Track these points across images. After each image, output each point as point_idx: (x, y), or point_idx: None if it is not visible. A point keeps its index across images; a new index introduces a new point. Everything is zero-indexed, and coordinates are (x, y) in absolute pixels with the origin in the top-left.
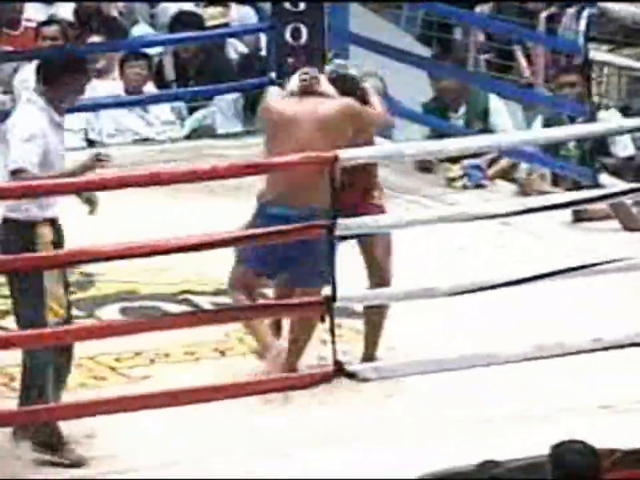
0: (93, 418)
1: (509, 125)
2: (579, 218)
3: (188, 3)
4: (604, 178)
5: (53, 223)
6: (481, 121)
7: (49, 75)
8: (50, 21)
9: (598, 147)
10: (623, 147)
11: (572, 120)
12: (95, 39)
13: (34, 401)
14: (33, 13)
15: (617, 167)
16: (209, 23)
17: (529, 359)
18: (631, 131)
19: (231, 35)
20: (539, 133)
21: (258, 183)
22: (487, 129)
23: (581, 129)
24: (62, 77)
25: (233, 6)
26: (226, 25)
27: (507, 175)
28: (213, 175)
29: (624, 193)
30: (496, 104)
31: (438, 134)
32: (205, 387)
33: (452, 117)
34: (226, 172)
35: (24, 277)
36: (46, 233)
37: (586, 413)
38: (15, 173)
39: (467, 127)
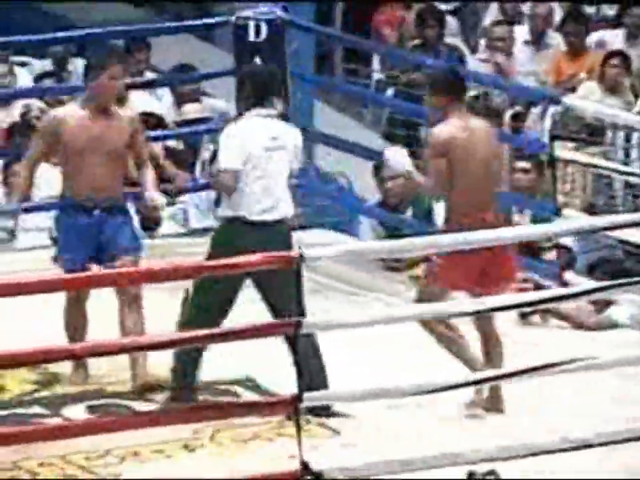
0: None
1: None
2: (524, 314)
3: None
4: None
5: None
6: (425, 221)
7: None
8: None
9: None
10: None
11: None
12: None
13: None
14: None
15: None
16: (186, 118)
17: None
18: (600, 229)
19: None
20: (507, 231)
21: None
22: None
23: (551, 228)
24: None
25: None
26: (201, 120)
27: None
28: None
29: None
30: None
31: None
32: None
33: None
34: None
35: None
36: None
37: None
38: None
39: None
